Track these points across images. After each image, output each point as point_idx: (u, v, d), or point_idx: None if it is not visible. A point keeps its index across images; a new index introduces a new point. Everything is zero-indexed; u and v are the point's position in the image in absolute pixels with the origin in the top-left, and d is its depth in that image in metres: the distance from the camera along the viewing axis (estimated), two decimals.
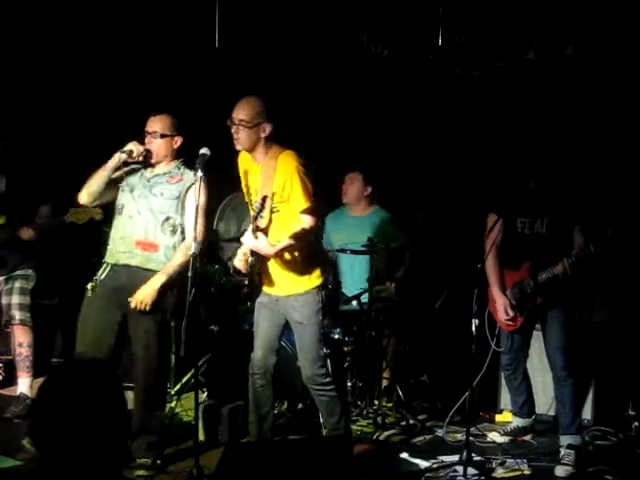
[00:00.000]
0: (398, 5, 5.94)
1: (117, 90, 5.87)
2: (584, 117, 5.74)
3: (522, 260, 4.66)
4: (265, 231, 4.04)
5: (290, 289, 4.13)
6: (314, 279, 4.15)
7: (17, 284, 5.09)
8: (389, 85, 6.34)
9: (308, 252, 4.12)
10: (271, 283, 4.16)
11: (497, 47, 5.88)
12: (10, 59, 5.65)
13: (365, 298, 5.33)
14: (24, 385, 5.10)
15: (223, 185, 5.79)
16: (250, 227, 4.03)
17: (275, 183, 4.03)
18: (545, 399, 5.24)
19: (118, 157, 4.19)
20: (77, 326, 4.25)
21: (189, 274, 3.93)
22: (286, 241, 4.00)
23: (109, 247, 4.30)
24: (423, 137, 6.43)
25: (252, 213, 4.16)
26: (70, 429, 1.76)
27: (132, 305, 4.12)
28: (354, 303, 5.42)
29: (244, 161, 4.21)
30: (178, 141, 4.32)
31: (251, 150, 4.08)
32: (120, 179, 4.32)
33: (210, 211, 5.29)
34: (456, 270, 5.53)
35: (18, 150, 5.12)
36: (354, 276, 5.61)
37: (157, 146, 4.27)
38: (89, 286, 4.23)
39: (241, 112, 4.01)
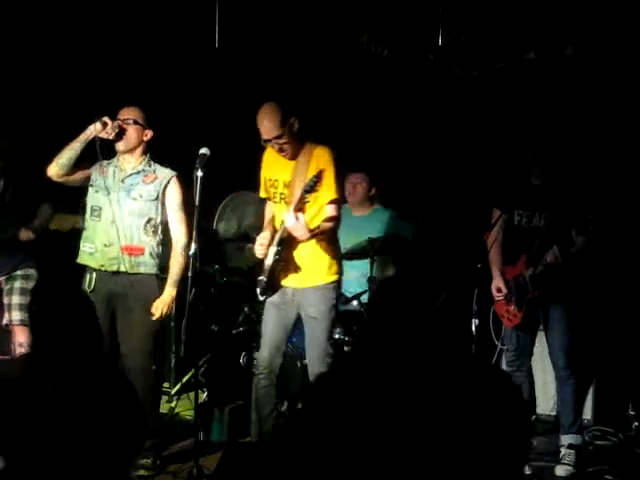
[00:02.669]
0: (398, 5, 5.94)
1: (117, 90, 5.86)
2: (584, 117, 5.74)
3: (519, 254, 4.66)
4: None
5: (309, 281, 4.15)
6: (332, 274, 4.20)
7: (17, 284, 5.08)
8: (389, 85, 6.34)
9: (330, 245, 4.18)
10: (291, 275, 4.17)
11: (497, 47, 5.88)
12: (11, 60, 5.65)
13: (365, 298, 5.33)
14: None
15: (223, 185, 5.81)
16: (291, 207, 3.98)
17: (309, 174, 4.04)
18: (545, 398, 5.24)
19: (92, 128, 4.15)
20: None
21: (189, 274, 3.95)
22: (319, 227, 4.04)
23: (87, 250, 4.26)
24: (423, 137, 6.43)
25: (275, 202, 4.20)
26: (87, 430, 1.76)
27: (155, 317, 4.18)
28: (354, 303, 5.41)
29: (271, 155, 4.23)
30: (148, 134, 4.31)
31: (297, 154, 4.11)
32: (90, 164, 4.27)
33: (207, 211, 5.31)
34: (456, 270, 5.52)
35: (18, 150, 5.11)
36: (354, 276, 5.61)
37: (129, 132, 4.25)
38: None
39: (271, 129, 4.02)
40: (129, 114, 4.26)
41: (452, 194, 6.40)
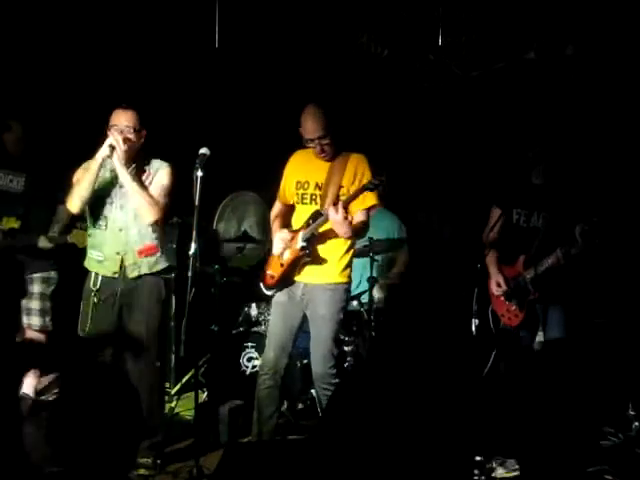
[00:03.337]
0: (398, 5, 5.94)
1: (117, 90, 5.87)
2: (584, 117, 5.74)
3: (517, 254, 4.65)
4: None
5: (324, 278, 4.16)
6: (345, 275, 4.21)
7: (36, 288, 5.02)
8: (389, 85, 6.35)
9: (349, 249, 4.21)
10: (306, 270, 4.18)
11: (497, 47, 5.89)
12: (17, 58, 5.67)
13: (365, 298, 5.34)
14: (28, 387, 5.08)
15: (223, 185, 5.81)
16: (340, 203, 3.96)
17: (346, 176, 4.09)
18: None
19: (101, 155, 4.07)
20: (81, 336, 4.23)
21: (189, 274, 3.93)
22: (356, 228, 4.06)
23: (95, 258, 4.21)
24: (423, 137, 6.43)
25: (304, 204, 4.18)
26: (86, 430, 1.76)
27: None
28: (354, 303, 5.42)
29: (302, 157, 4.25)
30: (144, 135, 4.22)
31: (334, 157, 4.14)
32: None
33: (207, 211, 5.32)
34: (456, 269, 5.53)
35: (39, 149, 5.08)
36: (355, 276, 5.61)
37: (132, 141, 4.14)
38: (93, 301, 4.18)
39: (316, 129, 4.04)
40: (127, 121, 4.14)
41: (452, 194, 6.40)
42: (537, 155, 4.56)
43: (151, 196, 4.14)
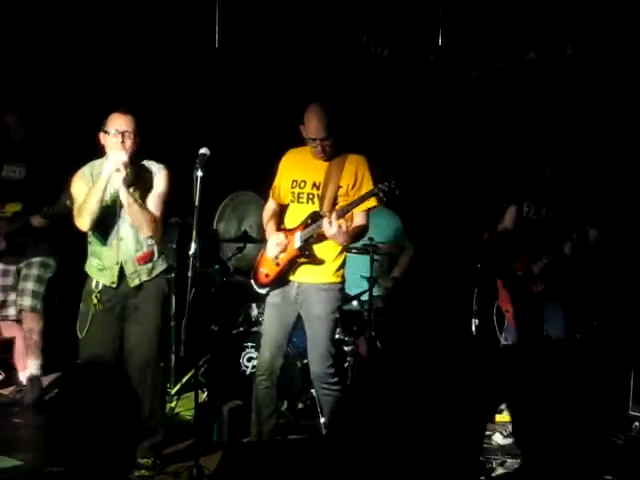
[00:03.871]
0: (398, 5, 5.94)
1: (117, 90, 5.88)
2: (584, 117, 5.74)
3: (526, 246, 4.65)
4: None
5: (318, 277, 4.16)
6: (339, 275, 4.22)
7: (34, 271, 5.07)
8: (389, 85, 6.35)
9: (343, 250, 4.22)
10: (300, 270, 4.18)
11: (497, 47, 5.89)
12: (18, 56, 5.69)
13: (365, 298, 5.34)
14: (34, 366, 5.10)
15: (223, 185, 5.81)
16: (334, 215, 3.95)
17: (344, 176, 4.08)
18: None
19: (109, 173, 3.99)
20: (80, 338, 4.20)
21: (189, 274, 3.93)
22: (354, 232, 4.07)
23: (95, 265, 4.18)
24: (423, 137, 6.43)
25: (300, 203, 4.17)
26: (86, 430, 1.77)
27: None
28: (354, 303, 5.42)
29: (298, 155, 4.24)
30: (139, 141, 4.16)
31: (332, 157, 4.13)
32: None
33: (207, 211, 5.31)
34: (456, 269, 5.52)
35: (40, 139, 5.09)
36: (354, 275, 5.61)
37: (132, 146, 4.07)
38: (93, 302, 4.16)
39: (321, 130, 4.02)
40: (127, 126, 4.07)
41: (452, 193, 6.40)
42: (554, 149, 4.55)
43: (150, 212, 4.10)
